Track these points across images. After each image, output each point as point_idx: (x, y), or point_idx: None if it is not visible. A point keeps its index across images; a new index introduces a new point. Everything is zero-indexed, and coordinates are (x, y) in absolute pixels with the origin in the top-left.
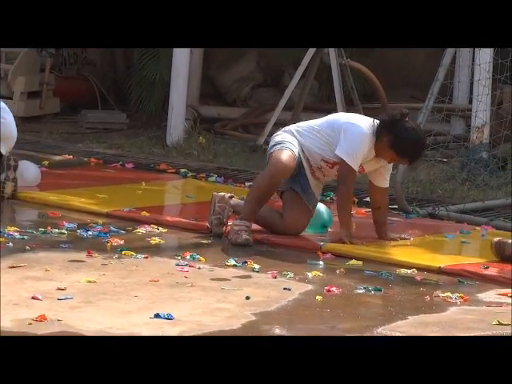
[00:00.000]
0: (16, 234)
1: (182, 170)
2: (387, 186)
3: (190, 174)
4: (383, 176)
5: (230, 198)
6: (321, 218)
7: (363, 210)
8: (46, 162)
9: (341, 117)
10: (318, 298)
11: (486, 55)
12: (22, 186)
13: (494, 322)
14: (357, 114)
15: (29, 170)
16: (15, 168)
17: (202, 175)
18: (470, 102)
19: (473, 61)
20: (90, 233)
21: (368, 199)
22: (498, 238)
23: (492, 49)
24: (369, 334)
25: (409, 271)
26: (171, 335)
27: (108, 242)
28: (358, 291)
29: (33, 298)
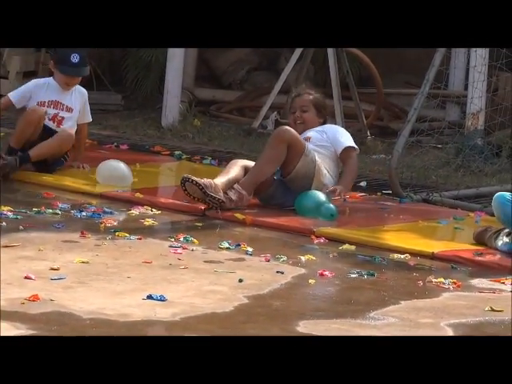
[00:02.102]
0: (10, 213)
1: (177, 152)
2: (344, 146)
3: (185, 157)
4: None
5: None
6: (330, 209)
7: (357, 195)
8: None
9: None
10: (311, 281)
11: None
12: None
13: (486, 308)
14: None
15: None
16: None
17: (196, 157)
18: (466, 88)
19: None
20: (83, 213)
21: (362, 184)
22: (480, 229)
23: None
24: (361, 319)
25: (402, 256)
26: (164, 319)
27: (101, 223)
28: (351, 275)
29: (26, 277)
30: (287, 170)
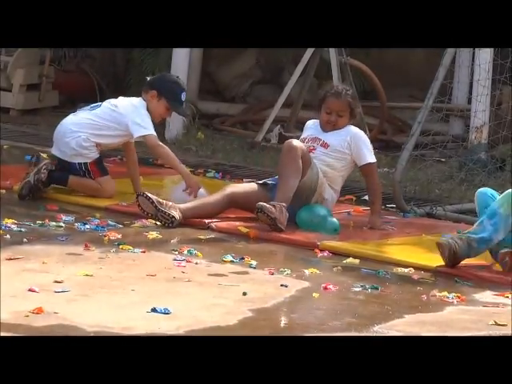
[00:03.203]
0: (13, 226)
1: None
2: (366, 162)
3: (189, 170)
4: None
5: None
6: (334, 223)
7: (361, 208)
8: (45, 155)
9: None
10: (315, 295)
11: (485, 55)
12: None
13: (490, 322)
14: None
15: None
16: (35, 164)
17: (200, 171)
18: (469, 102)
19: (473, 61)
20: (87, 226)
21: (366, 198)
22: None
23: (492, 49)
24: (365, 333)
25: (406, 270)
26: (168, 332)
27: (105, 236)
28: (355, 289)
29: (30, 290)
30: None
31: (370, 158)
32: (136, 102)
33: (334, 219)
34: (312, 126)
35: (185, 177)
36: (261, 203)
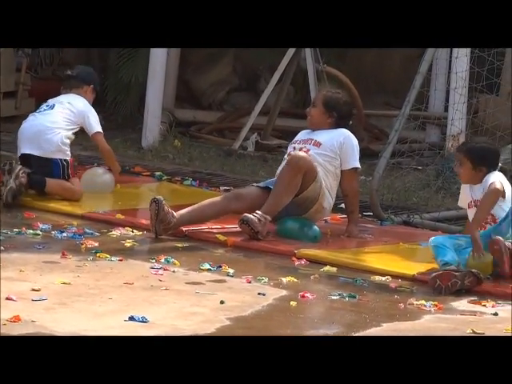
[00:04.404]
0: None
1: (157, 173)
2: (353, 166)
3: (165, 177)
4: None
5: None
6: (315, 231)
7: (338, 216)
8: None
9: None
10: (293, 303)
11: (462, 63)
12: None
13: (468, 331)
14: None
15: (101, 177)
16: (9, 172)
17: (177, 178)
18: (446, 110)
19: (449, 69)
20: (64, 234)
21: (342, 206)
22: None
23: (468, 57)
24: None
25: (383, 278)
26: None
27: (83, 244)
28: (333, 297)
29: (7, 298)
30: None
31: (358, 163)
32: (82, 99)
33: (315, 227)
34: (304, 131)
35: (115, 173)
36: (247, 215)
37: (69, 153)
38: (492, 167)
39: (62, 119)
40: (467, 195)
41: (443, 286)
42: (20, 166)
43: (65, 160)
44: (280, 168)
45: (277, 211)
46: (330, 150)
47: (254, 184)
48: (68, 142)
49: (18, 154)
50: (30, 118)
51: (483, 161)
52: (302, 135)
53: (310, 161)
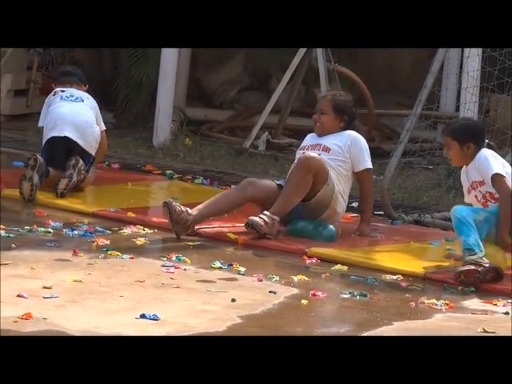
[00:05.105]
0: (2, 231)
1: (168, 172)
2: (365, 167)
3: (176, 176)
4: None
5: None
6: (330, 230)
7: (349, 215)
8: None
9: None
10: (304, 302)
11: (474, 63)
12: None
13: (479, 330)
14: None
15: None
16: (33, 168)
17: (188, 177)
18: (457, 109)
19: (461, 68)
20: (75, 232)
21: (354, 205)
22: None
23: (480, 57)
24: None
25: (394, 277)
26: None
27: (94, 242)
28: (344, 296)
29: (18, 295)
30: (307, 195)
31: (369, 164)
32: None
33: (331, 226)
34: (310, 135)
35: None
36: (252, 218)
37: None
38: (479, 142)
39: (92, 115)
40: (464, 182)
41: (466, 281)
42: (80, 163)
43: (93, 157)
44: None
45: (286, 211)
46: (339, 153)
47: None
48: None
49: (54, 134)
50: (62, 102)
51: (468, 137)
52: (309, 140)
53: (321, 161)
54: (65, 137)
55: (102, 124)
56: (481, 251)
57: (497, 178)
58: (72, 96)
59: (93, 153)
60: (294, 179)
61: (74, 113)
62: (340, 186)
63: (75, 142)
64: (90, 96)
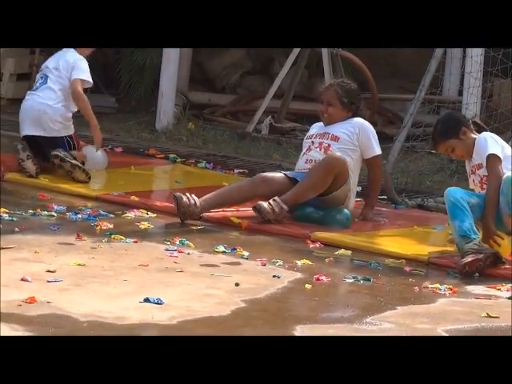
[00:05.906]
0: (5, 215)
1: (171, 156)
2: (375, 154)
3: (179, 160)
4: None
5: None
6: (345, 213)
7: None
8: None
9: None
10: (307, 286)
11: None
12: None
13: (482, 315)
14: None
15: (94, 154)
16: (24, 149)
17: (191, 161)
18: (461, 94)
19: (464, 53)
20: (79, 216)
21: (357, 189)
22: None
23: None
24: (358, 324)
25: (398, 262)
26: (161, 323)
27: (97, 226)
28: (347, 280)
29: (22, 279)
30: (324, 192)
31: (378, 150)
32: (72, 53)
33: (345, 210)
34: (317, 124)
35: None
36: (260, 203)
37: (72, 126)
38: (466, 123)
39: (59, 92)
40: (467, 168)
41: (470, 271)
42: (60, 154)
43: (69, 136)
44: (300, 160)
45: (297, 202)
46: (349, 142)
47: (282, 172)
48: (70, 115)
49: (21, 135)
50: (29, 96)
51: (455, 127)
52: (317, 129)
53: (345, 164)
54: (25, 136)
55: (80, 75)
56: (476, 236)
57: (491, 159)
58: (41, 79)
59: (63, 133)
60: (315, 176)
61: (32, 106)
62: (353, 177)
63: (38, 136)
64: (68, 52)
